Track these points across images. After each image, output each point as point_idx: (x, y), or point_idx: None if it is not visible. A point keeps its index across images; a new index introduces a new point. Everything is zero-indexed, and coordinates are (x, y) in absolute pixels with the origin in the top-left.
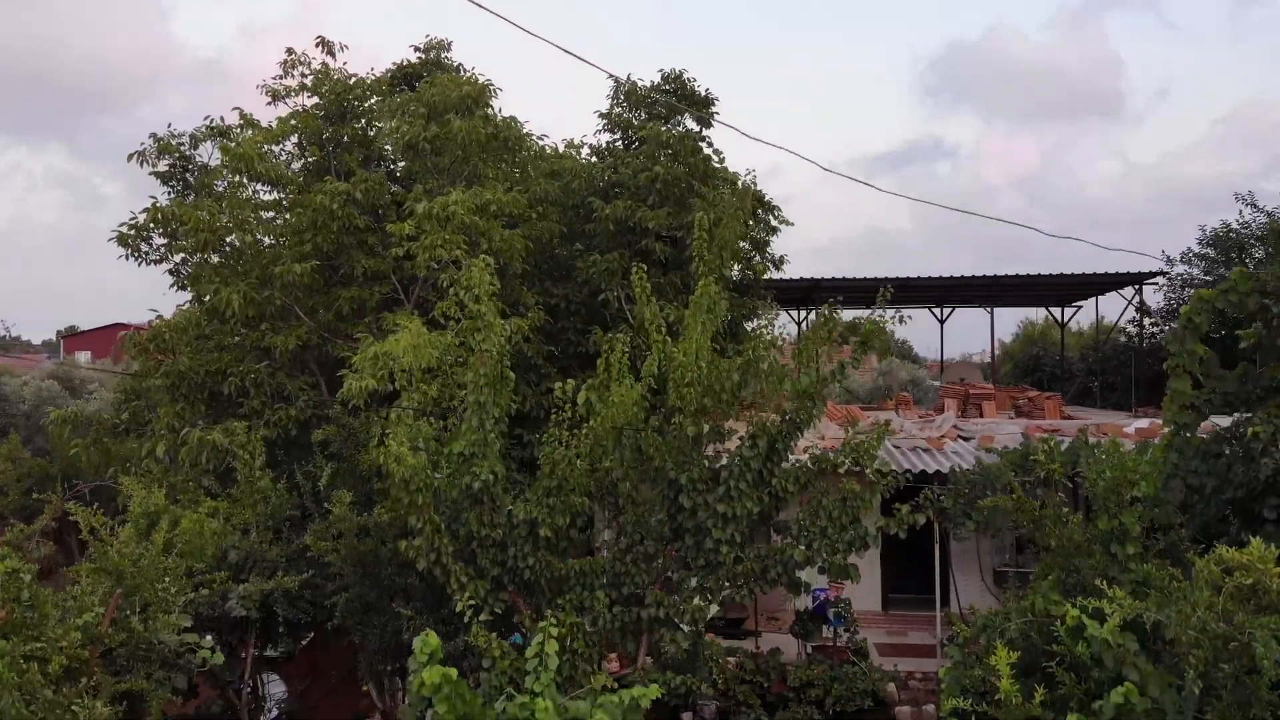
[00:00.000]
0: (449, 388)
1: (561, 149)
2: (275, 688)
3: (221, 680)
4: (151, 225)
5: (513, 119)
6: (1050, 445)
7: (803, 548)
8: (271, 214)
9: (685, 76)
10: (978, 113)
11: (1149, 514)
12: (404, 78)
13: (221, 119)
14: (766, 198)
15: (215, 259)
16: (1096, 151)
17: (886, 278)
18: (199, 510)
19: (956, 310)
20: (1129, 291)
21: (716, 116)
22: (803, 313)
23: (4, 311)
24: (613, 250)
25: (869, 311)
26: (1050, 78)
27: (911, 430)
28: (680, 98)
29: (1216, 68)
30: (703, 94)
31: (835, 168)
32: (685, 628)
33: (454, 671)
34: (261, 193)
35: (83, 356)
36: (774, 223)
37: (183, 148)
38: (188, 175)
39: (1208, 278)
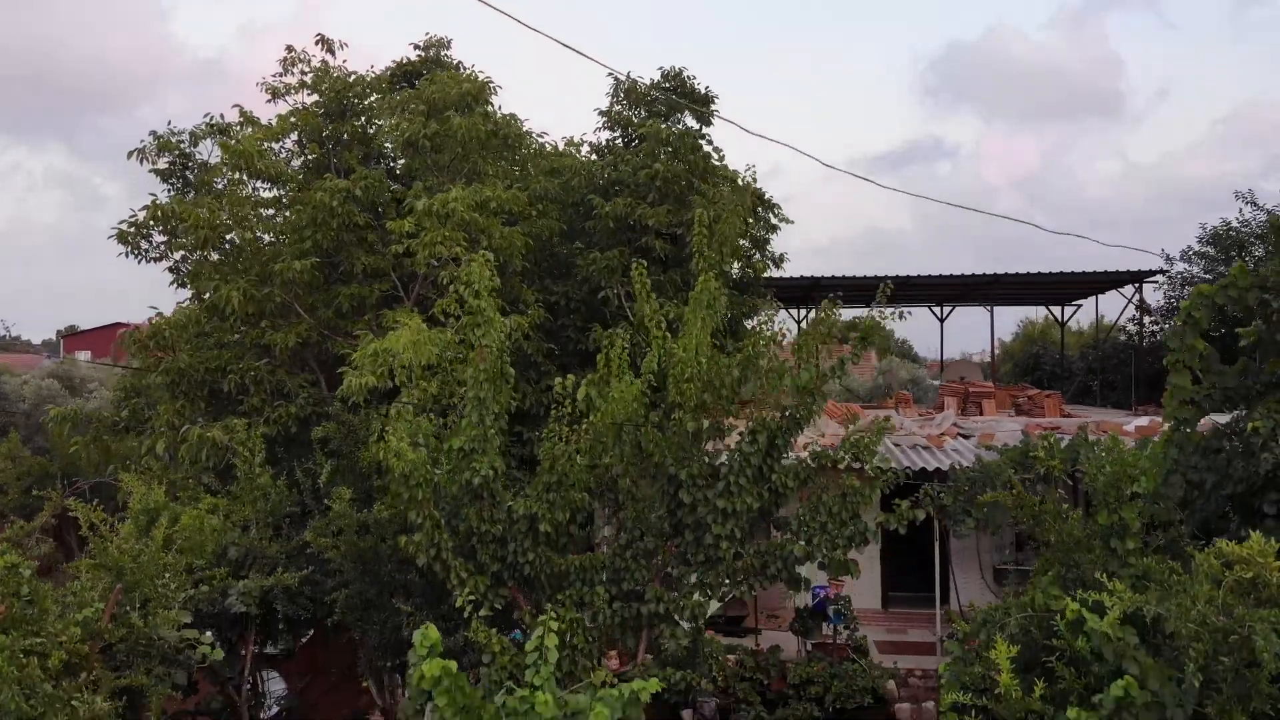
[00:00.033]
0: (449, 385)
1: (561, 147)
2: (275, 685)
3: (221, 676)
4: (151, 223)
5: (512, 116)
6: (1050, 442)
7: (802, 543)
8: (271, 211)
9: (685, 74)
10: (978, 113)
11: (1149, 510)
12: (404, 75)
13: (221, 116)
14: (766, 195)
15: (215, 256)
16: (1096, 151)
17: (886, 276)
18: (199, 507)
19: (956, 309)
20: (1129, 290)
21: (716, 114)
22: (803, 311)
23: (4, 311)
24: (612, 248)
25: (869, 310)
26: (1050, 78)
27: (911, 428)
28: (680, 96)
29: (1216, 68)
30: (702, 92)
31: (835, 168)
32: (685, 624)
33: (454, 664)
34: (261, 190)
35: (83, 356)
36: (774, 220)
37: (182, 145)
38: (188, 173)
39: (1208, 276)
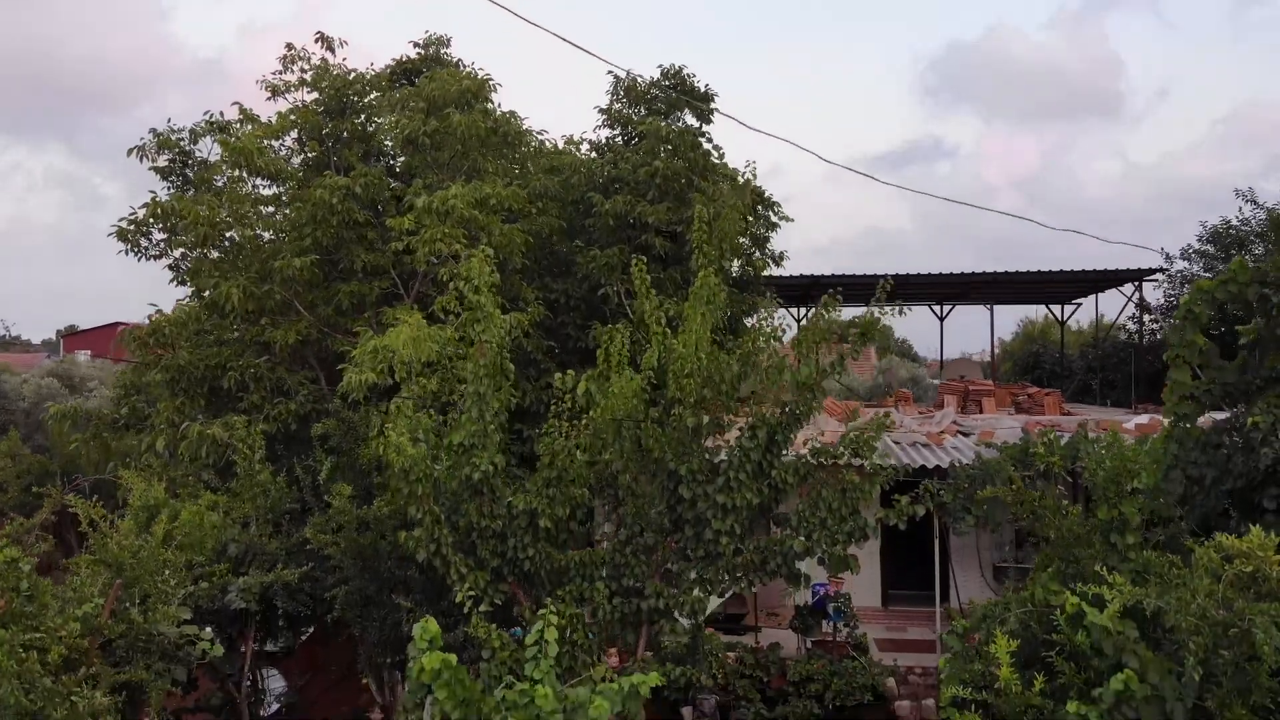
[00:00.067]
0: (449, 382)
1: (561, 146)
2: (275, 683)
3: (221, 673)
4: (151, 220)
5: (512, 114)
6: (1050, 439)
7: (802, 538)
8: (271, 209)
9: (685, 72)
10: (978, 113)
11: (1149, 505)
12: (403, 73)
13: (221, 114)
14: (766, 193)
15: (215, 254)
16: (1096, 151)
17: (886, 274)
18: (199, 503)
19: (956, 308)
20: (1129, 289)
21: (716, 110)
22: (802, 310)
23: (4, 311)
24: (612, 245)
25: (868, 307)
26: (1050, 78)
27: (911, 426)
28: (680, 93)
29: (1216, 68)
30: (702, 90)
31: (835, 169)
32: (684, 620)
33: (453, 657)
34: (261, 187)
35: (82, 355)
36: (774, 218)
37: (182, 143)
38: (187, 170)
39: (1208, 274)
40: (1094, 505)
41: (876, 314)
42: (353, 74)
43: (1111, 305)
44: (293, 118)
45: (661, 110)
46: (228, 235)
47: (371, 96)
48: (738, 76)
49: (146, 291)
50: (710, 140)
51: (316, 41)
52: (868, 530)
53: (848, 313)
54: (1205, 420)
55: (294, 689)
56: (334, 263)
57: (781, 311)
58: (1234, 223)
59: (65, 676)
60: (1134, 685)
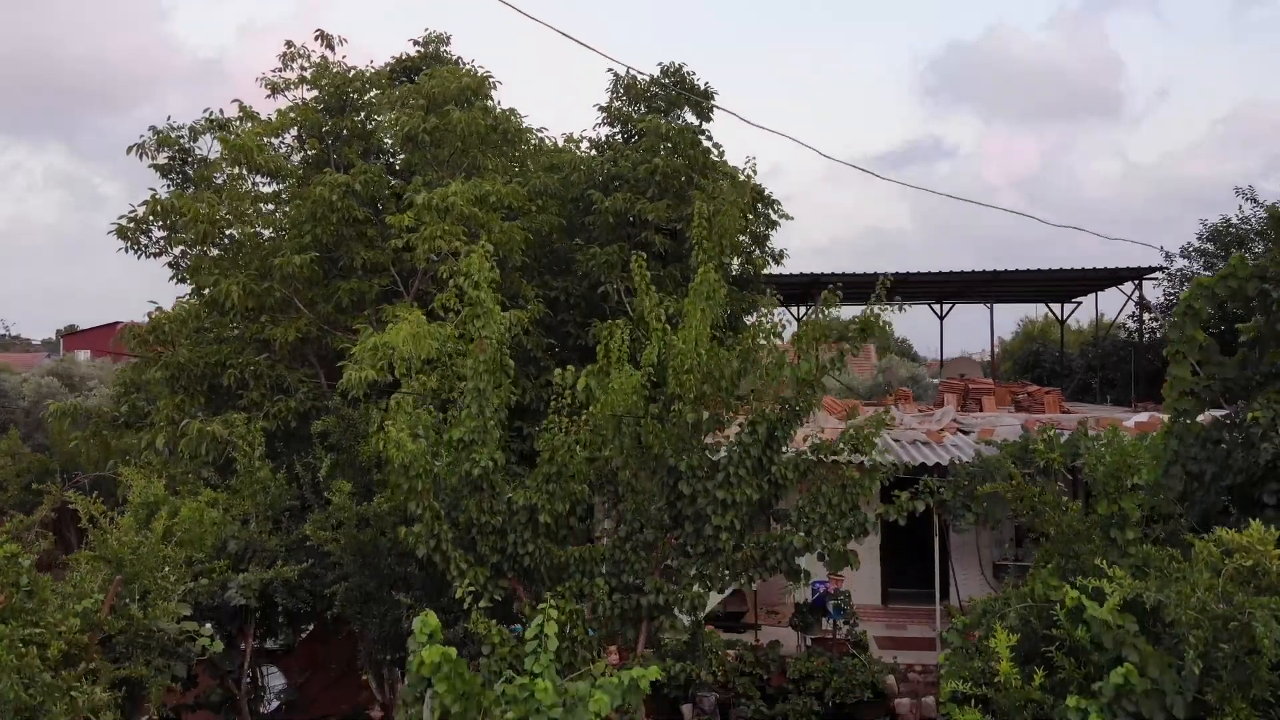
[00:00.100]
0: (448, 379)
1: (561, 143)
2: (275, 680)
3: (221, 669)
4: (151, 218)
5: (512, 111)
6: (1050, 436)
7: (802, 534)
8: (271, 206)
9: (685, 70)
10: (978, 113)
11: (1149, 501)
12: (403, 71)
13: (220, 112)
14: (766, 191)
15: (215, 251)
16: (1096, 151)
17: (886, 273)
18: (199, 500)
19: (956, 307)
20: (1129, 287)
21: (716, 107)
22: (802, 308)
23: (4, 311)
24: (612, 243)
25: (867, 305)
26: (1050, 78)
27: (911, 424)
28: (680, 91)
29: (1216, 68)
30: (702, 87)
31: (835, 169)
32: (684, 616)
33: (453, 651)
34: (261, 185)
35: (82, 355)
36: (774, 216)
37: (182, 140)
38: (187, 168)
39: (1207, 273)
40: (1094, 501)
41: (877, 310)
42: (352, 72)
43: (1111, 304)
44: (292, 115)
45: (661, 108)
46: (227, 233)
47: (371, 94)
48: (738, 76)
49: (146, 290)
50: (710, 138)
51: (316, 39)
52: (868, 525)
53: (847, 311)
54: (1205, 416)
55: (294, 686)
56: (334, 260)
57: (781, 310)
58: (1234, 221)
59: (65, 672)
60: (1134, 679)
